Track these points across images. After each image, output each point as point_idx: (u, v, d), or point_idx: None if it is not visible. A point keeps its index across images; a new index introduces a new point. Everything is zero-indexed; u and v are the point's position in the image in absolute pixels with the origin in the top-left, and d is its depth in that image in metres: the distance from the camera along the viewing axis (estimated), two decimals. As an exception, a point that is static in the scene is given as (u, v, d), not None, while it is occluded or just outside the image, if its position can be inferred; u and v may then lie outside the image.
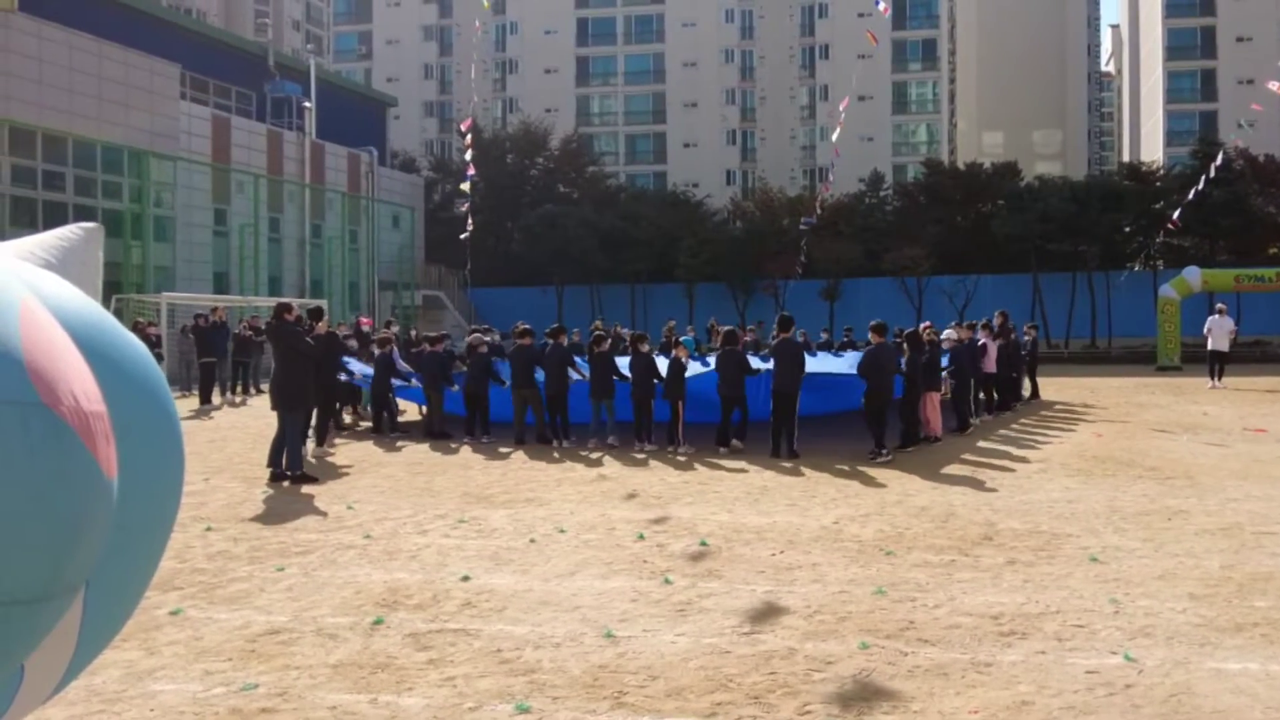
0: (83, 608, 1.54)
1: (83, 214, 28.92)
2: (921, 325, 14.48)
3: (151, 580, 1.87)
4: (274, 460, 10.75)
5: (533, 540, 7.70)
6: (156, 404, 1.75)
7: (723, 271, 45.27)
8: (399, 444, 13.93)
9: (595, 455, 12.66)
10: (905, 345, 13.72)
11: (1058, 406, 18.59)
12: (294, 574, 6.69)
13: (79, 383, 1.40)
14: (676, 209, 49.88)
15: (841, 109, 24.73)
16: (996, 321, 18.16)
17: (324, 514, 8.83)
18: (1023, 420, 16.47)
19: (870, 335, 13.05)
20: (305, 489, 10.17)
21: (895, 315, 31.28)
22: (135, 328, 20.02)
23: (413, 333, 21.84)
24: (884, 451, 11.95)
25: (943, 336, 15.73)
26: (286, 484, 10.42)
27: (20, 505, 1.25)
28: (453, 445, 13.77)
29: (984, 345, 16.50)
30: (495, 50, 77.37)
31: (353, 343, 17.08)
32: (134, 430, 1.63)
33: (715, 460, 12.02)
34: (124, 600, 1.75)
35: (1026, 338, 20.02)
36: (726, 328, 14.31)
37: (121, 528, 1.58)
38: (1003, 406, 17.64)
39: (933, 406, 13.86)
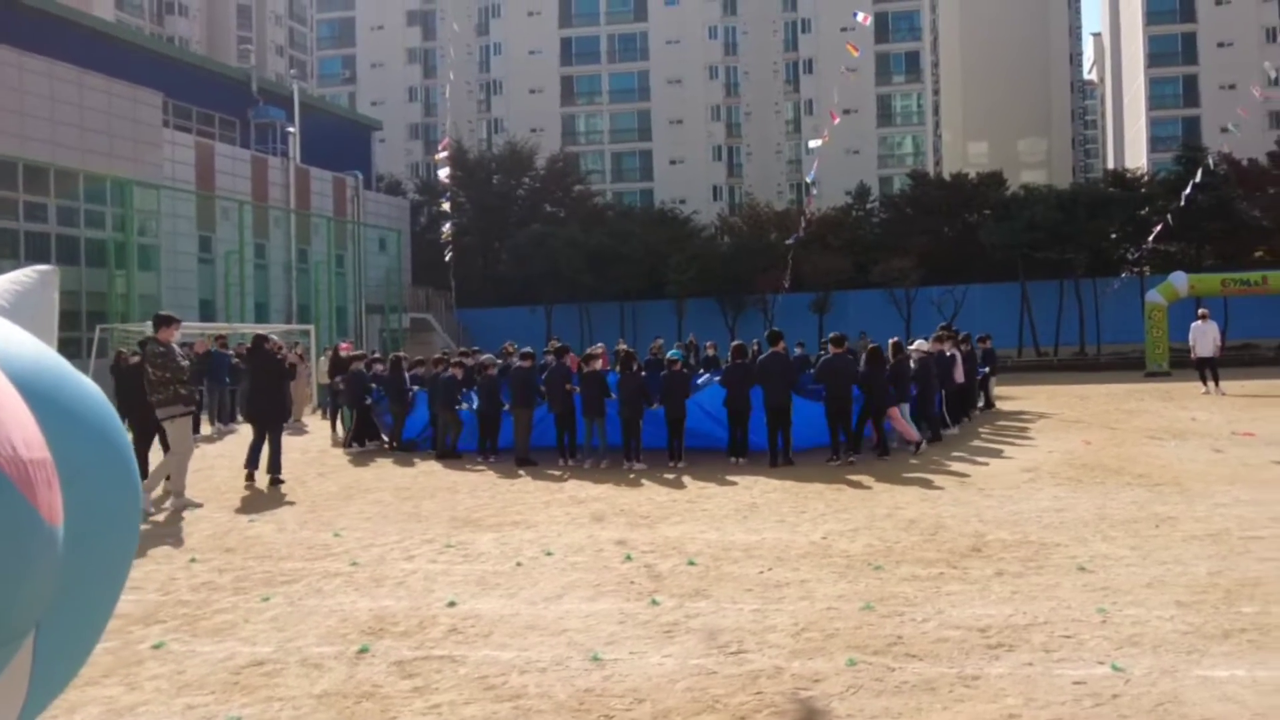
0: (33, 654, 1.52)
1: (65, 244, 28.91)
2: (890, 340, 14.78)
3: (108, 622, 1.85)
4: (272, 466, 12.24)
5: (519, 564, 7.66)
6: (108, 446, 1.74)
7: (712, 287, 45.35)
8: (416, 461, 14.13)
9: (585, 475, 12.66)
10: (864, 359, 13.92)
11: (1024, 415, 18.71)
12: (279, 604, 6.64)
13: (18, 431, 1.39)
14: (664, 226, 50.01)
15: (829, 128, 24.76)
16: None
17: (310, 542, 8.78)
18: (999, 427, 16.59)
19: (830, 347, 13.69)
20: (291, 518, 10.14)
21: (885, 326, 31.35)
22: (118, 358, 19.88)
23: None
24: (838, 458, 12.59)
25: (912, 348, 15.75)
26: (282, 484, 12.07)
27: (-43, 557, 1.24)
28: (465, 466, 13.89)
29: (952, 356, 16.66)
30: (479, 71, 77.64)
31: (379, 367, 17.37)
32: (86, 474, 1.62)
33: (705, 478, 12.01)
34: (78, 644, 1.73)
35: (980, 348, 20.18)
36: (735, 343, 14.45)
37: (73, 571, 1.56)
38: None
39: (897, 418, 14.01)
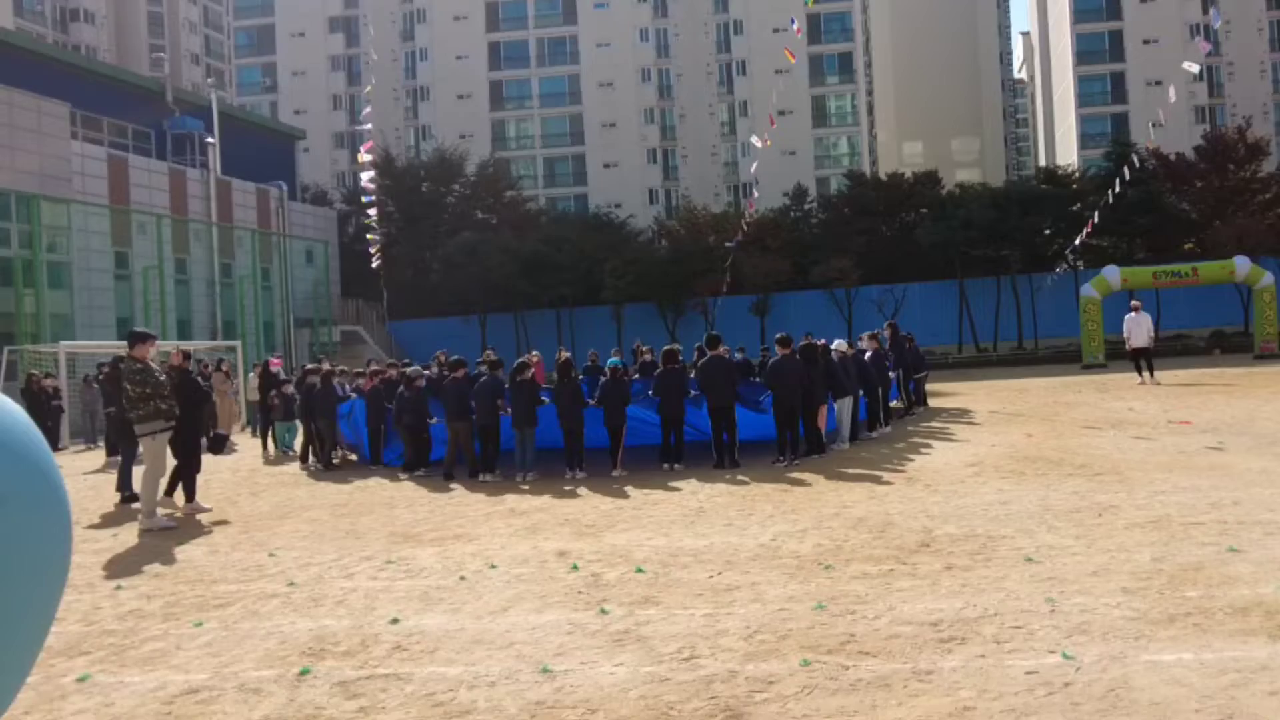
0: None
1: (-31, 262, 27.82)
2: (818, 340, 14.77)
3: (37, 657, 1.72)
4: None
5: (463, 578, 7.48)
6: (33, 469, 1.60)
7: (650, 292, 45.21)
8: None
9: (525, 487, 12.48)
10: (799, 357, 13.88)
11: (966, 411, 18.98)
12: (213, 628, 6.39)
13: None
14: (600, 231, 49.76)
15: (768, 133, 24.75)
16: (886, 333, 18.48)
17: (244, 564, 8.51)
18: (941, 423, 16.75)
19: (776, 349, 13.66)
20: (223, 540, 9.84)
21: (826, 327, 31.58)
22: (30, 381, 19.25)
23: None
24: (784, 459, 12.66)
25: (833, 348, 15.76)
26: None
27: None
28: (399, 478, 13.70)
29: (871, 355, 16.68)
30: (405, 78, 76.60)
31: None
32: (9, 500, 1.50)
33: (649, 484, 11.89)
34: (6, 682, 1.61)
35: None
36: (667, 347, 14.29)
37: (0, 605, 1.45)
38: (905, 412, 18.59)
39: (823, 417, 14.07)
